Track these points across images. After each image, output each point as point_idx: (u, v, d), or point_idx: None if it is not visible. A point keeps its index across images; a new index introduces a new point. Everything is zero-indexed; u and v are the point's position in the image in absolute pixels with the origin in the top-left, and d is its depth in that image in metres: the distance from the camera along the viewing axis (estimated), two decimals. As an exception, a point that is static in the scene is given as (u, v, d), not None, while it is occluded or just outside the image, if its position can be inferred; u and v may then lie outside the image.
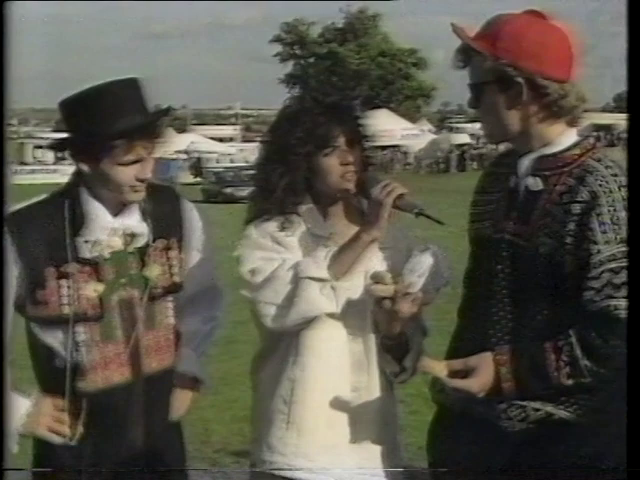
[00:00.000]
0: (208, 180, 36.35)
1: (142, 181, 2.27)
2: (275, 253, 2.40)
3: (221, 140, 60.57)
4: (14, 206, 2.25)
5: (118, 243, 2.31)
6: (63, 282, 2.25)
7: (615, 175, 2.07)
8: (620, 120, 41.14)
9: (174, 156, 45.35)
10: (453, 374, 2.08)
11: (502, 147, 2.53)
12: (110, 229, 2.29)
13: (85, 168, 2.25)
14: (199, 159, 46.71)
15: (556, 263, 2.07)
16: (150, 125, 2.27)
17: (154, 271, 2.34)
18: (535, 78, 2.08)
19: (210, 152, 49.92)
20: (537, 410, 2.10)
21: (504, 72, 2.09)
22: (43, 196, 2.33)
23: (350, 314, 2.40)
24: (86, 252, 2.27)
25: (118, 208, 2.31)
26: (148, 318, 2.34)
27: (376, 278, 2.23)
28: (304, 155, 2.41)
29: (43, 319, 2.27)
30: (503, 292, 2.15)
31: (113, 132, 2.18)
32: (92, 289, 2.27)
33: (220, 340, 2.84)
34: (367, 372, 2.43)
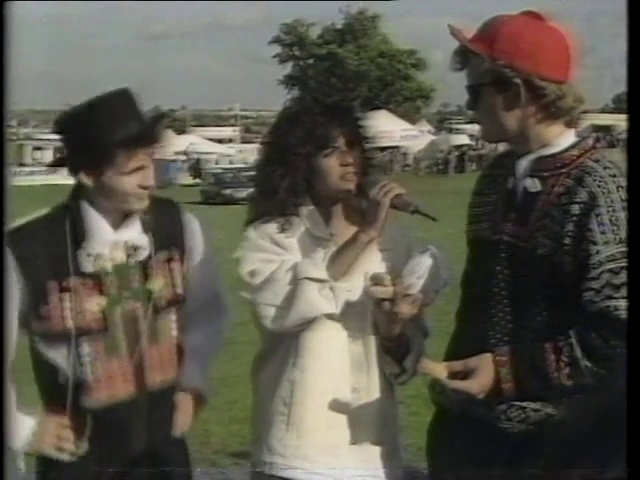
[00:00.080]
0: (207, 181, 36.37)
1: (146, 188, 2.27)
2: (274, 255, 2.41)
3: (220, 141, 60.60)
4: (15, 222, 2.26)
5: (120, 256, 2.30)
6: (66, 296, 2.24)
7: (614, 176, 2.07)
8: (619, 121, 41.16)
9: (173, 157, 45.38)
10: (453, 375, 2.08)
11: (501, 148, 2.53)
12: (112, 242, 2.29)
13: (88, 181, 2.25)
14: (198, 160, 46.74)
15: (555, 264, 2.07)
16: (147, 132, 2.27)
17: (157, 283, 2.34)
18: (533, 79, 2.08)
19: (209, 153, 49.96)
20: (537, 411, 2.10)
21: (502, 73, 2.09)
22: (44, 211, 2.33)
23: (350, 315, 2.40)
24: (88, 266, 2.26)
25: (119, 221, 2.32)
26: (152, 332, 2.33)
27: (375, 280, 2.23)
28: (304, 156, 2.41)
29: (47, 334, 2.26)
30: (502, 293, 2.15)
31: (112, 142, 2.19)
32: (95, 303, 2.26)
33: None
34: (367, 373, 2.43)
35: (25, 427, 2.26)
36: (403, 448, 2.61)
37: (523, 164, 2.18)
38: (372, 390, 2.43)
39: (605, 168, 2.09)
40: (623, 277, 2.00)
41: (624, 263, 2.01)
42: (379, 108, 44.44)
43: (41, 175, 38.00)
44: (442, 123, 76.91)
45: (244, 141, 63.76)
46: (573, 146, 2.15)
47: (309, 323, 2.37)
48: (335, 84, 59.69)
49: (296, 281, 2.34)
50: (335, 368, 2.41)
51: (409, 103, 65.67)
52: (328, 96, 2.54)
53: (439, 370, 2.09)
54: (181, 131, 63.80)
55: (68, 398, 2.26)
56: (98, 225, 2.28)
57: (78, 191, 2.30)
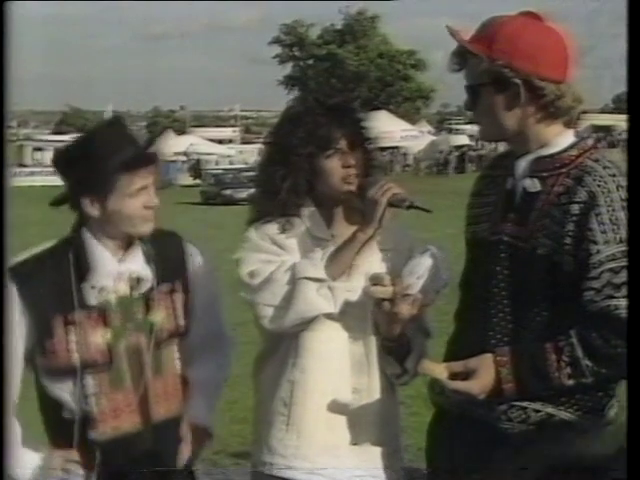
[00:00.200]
0: (207, 182, 36.37)
1: (151, 208, 2.30)
2: (274, 255, 2.41)
3: (220, 142, 60.64)
4: (19, 256, 2.28)
5: (124, 288, 2.31)
6: (71, 330, 2.25)
7: (613, 175, 2.07)
8: (619, 121, 41.17)
9: (173, 158, 45.40)
10: (453, 376, 2.07)
11: (500, 148, 2.53)
12: (115, 274, 2.30)
13: (93, 210, 2.26)
14: (198, 161, 46.76)
15: (555, 264, 2.07)
16: (145, 154, 2.31)
17: (159, 315, 2.35)
18: (532, 79, 2.08)
19: (209, 154, 49.97)
20: (538, 411, 2.10)
21: (501, 74, 2.09)
22: (48, 245, 2.35)
23: (350, 316, 2.40)
24: (92, 298, 2.28)
25: (123, 252, 2.33)
26: (155, 364, 2.34)
27: (375, 280, 2.23)
28: (306, 157, 2.42)
29: (52, 369, 2.27)
30: (502, 294, 2.15)
31: (113, 167, 2.22)
32: (100, 336, 2.27)
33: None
34: (367, 374, 2.43)
35: (31, 462, 2.27)
36: (403, 449, 2.61)
37: (522, 164, 2.18)
38: (373, 391, 2.43)
39: (605, 168, 2.09)
40: (623, 276, 2.00)
41: (624, 262, 2.01)
42: (379, 109, 44.43)
43: (41, 176, 38.00)
44: (442, 123, 77.03)
45: (244, 142, 63.85)
46: (572, 146, 2.15)
47: (308, 323, 2.38)
48: (335, 85, 59.66)
49: (294, 281, 2.35)
50: (335, 369, 2.41)
51: (409, 103, 65.66)
52: (330, 97, 2.54)
53: (439, 371, 2.09)
54: (181, 132, 63.85)
55: (75, 432, 2.28)
56: (101, 257, 2.30)
57: (81, 224, 2.33)
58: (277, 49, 70.43)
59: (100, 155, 2.23)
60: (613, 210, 2.03)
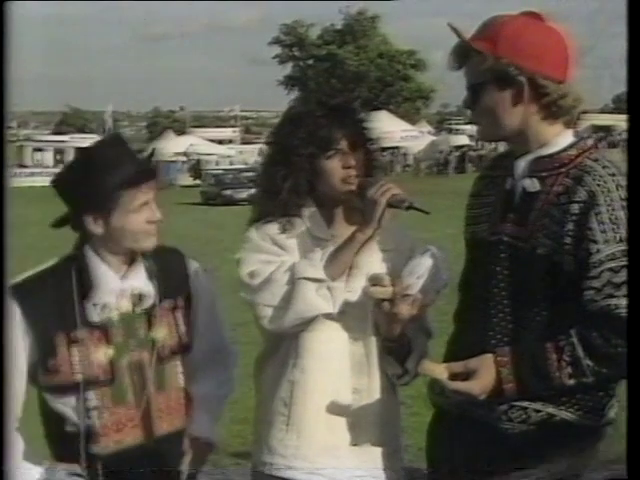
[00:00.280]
0: (207, 182, 36.37)
1: (153, 223, 2.31)
2: (275, 256, 2.41)
3: (220, 142, 60.65)
4: (22, 275, 2.29)
5: (126, 305, 2.32)
6: (74, 348, 2.26)
7: (613, 175, 2.07)
8: (619, 121, 41.16)
9: (173, 158, 45.42)
10: (453, 377, 2.07)
11: (500, 148, 2.53)
12: (118, 291, 2.31)
13: (96, 227, 2.27)
14: (198, 161, 46.79)
15: (555, 263, 2.07)
16: (145, 170, 2.33)
17: (161, 332, 2.36)
18: (536, 78, 2.09)
19: (209, 154, 49.97)
20: (538, 411, 2.10)
21: (505, 72, 2.09)
22: (50, 263, 2.35)
23: (350, 316, 2.40)
24: (95, 316, 2.28)
25: (125, 269, 2.34)
26: (158, 379, 2.35)
27: (374, 280, 2.23)
28: (306, 157, 2.42)
29: (55, 386, 2.28)
30: (502, 294, 2.15)
31: (115, 184, 2.23)
32: (102, 353, 2.28)
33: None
34: (368, 374, 2.43)
35: (34, 475, 2.27)
36: (404, 449, 2.61)
37: (521, 164, 2.18)
38: (373, 391, 2.43)
39: (604, 167, 2.09)
40: (623, 275, 2.00)
41: (624, 262, 2.01)
42: (379, 109, 44.42)
43: (41, 176, 38.01)
44: (442, 124, 77.01)
45: (244, 142, 63.87)
46: (571, 146, 2.15)
47: (308, 323, 2.37)
48: (335, 85, 59.62)
49: (294, 281, 2.35)
50: (336, 369, 2.41)
51: (409, 104, 65.65)
52: (331, 98, 2.54)
53: (439, 371, 2.09)
54: (181, 132, 63.87)
55: (77, 448, 2.28)
56: (104, 274, 2.30)
57: (83, 241, 2.33)
58: (277, 49, 70.54)
59: (101, 172, 2.25)
60: (613, 209, 2.03)
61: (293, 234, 2.44)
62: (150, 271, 2.37)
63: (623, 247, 2.01)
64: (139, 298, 2.34)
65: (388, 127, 39.72)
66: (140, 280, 2.35)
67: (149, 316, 2.35)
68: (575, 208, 2.06)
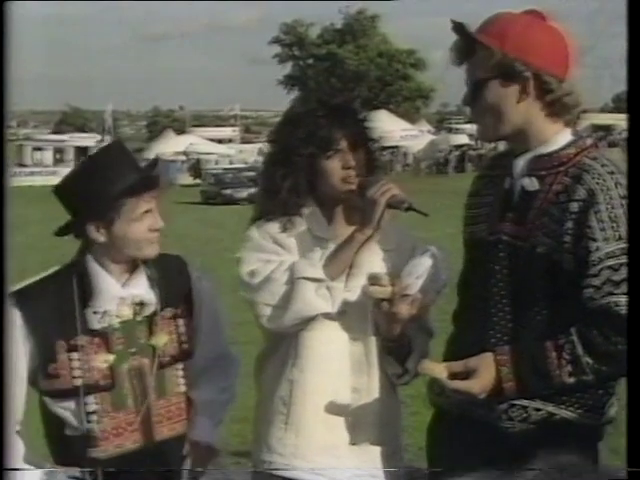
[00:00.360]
0: (207, 181, 36.41)
1: (156, 230, 2.31)
2: (275, 255, 2.41)
3: (220, 141, 60.65)
4: (23, 282, 2.29)
5: (127, 313, 2.33)
6: (74, 355, 2.27)
7: (612, 173, 2.07)
8: (619, 121, 41.15)
9: (173, 158, 45.43)
10: (453, 376, 2.07)
11: (500, 148, 2.53)
12: (119, 299, 2.31)
13: (98, 236, 2.28)
14: (198, 160, 46.79)
15: (554, 262, 2.07)
16: (148, 178, 2.33)
17: (161, 340, 2.36)
18: (541, 74, 2.09)
19: (209, 153, 49.98)
20: (538, 410, 2.10)
21: (511, 67, 2.09)
22: (52, 270, 2.36)
23: (350, 316, 2.40)
24: (95, 323, 2.29)
25: (126, 277, 2.34)
26: (159, 386, 2.35)
27: (373, 280, 2.23)
28: (306, 157, 2.42)
29: (55, 392, 2.29)
30: (502, 293, 2.15)
31: (117, 192, 2.24)
32: (102, 360, 2.29)
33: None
34: (367, 374, 2.43)
35: (34, 479, 2.28)
36: (404, 448, 2.61)
37: (520, 163, 2.18)
38: (372, 391, 2.43)
39: (603, 165, 2.09)
40: (623, 273, 2.01)
41: (624, 259, 2.01)
42: (379, 108, 44.41)
43: (41, 176, 38.02)
44: (442, 123, 76.98)
45: (244, 141, 63.89)
46: (570, 144, 2.15)
47: (307, 323, 2.38)
48: (335, 84, 59.62)
49: (293, 281, 2.35)
50: (335, 368, 2.41)
51: (409, 103, 65.62)
52: (332, 97, 2.54)
53: (439, 370, 2.09)
54: (181, 131, 63.86)
55: (77, 451, 2.29)
56: (105, 282, 2.31)
57: (85, 249, 2.34)
58: (277, 49, 70.50)
59: (104, 181, 2.25)
60: (612, 207, 2.03)
61: (293, 233, 2.44)
62: (152, 279, 2.37)
63: (622, 245, 2.01)
64: (140, 306, 2.34)
65: (388, 126, 39.71)
66: (141, 288, 2.35)
67: (150, 324, 2.35)
68: (574, 206, 2.06)
